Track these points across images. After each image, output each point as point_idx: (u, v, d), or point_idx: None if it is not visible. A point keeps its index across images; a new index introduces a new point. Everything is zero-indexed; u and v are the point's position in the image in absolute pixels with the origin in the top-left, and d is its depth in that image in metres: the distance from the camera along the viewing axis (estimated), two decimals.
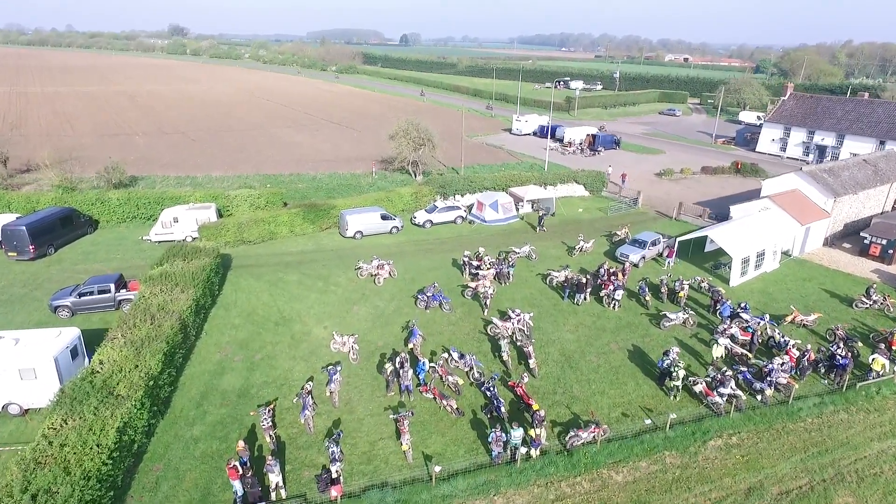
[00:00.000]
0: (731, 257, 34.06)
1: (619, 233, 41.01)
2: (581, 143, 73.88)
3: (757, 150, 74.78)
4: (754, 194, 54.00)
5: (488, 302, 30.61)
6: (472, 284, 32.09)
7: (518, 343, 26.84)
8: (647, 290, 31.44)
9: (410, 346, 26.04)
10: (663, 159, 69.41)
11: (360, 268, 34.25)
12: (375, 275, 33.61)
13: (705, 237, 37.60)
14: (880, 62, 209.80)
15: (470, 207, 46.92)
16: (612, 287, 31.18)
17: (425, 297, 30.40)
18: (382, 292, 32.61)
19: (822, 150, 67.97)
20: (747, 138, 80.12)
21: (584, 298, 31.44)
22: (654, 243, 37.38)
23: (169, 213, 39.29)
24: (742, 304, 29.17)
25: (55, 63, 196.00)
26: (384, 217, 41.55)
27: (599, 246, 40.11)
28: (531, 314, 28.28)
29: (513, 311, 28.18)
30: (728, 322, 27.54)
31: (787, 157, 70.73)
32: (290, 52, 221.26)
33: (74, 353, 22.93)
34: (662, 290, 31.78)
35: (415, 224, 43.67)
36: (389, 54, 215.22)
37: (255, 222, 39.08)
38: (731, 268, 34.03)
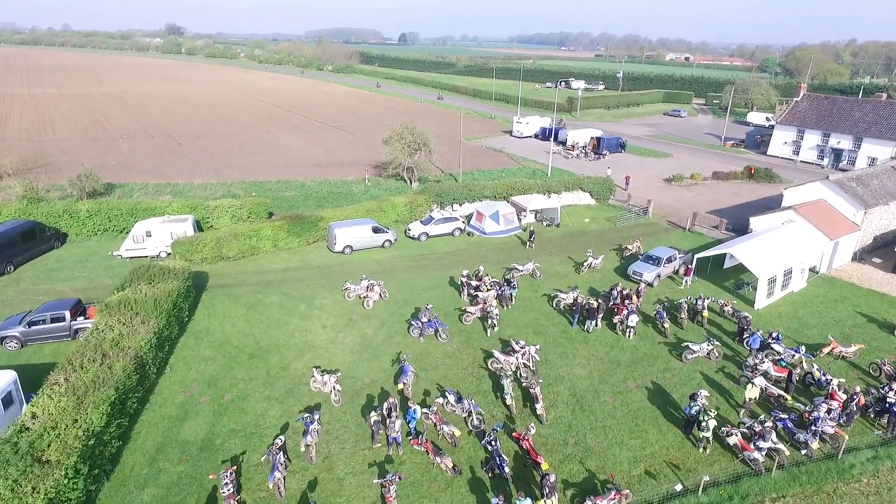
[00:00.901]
0: (755, 276, 30.95)
1: (630, 247, 37.86)
2: (585, 147, 70.70)
3: (768, 153, 71.63)
4: (771, 202, 51.05)
5: (495, 321, 27.68)
6: (472, 309, 28.94)
7: (523, 381, 23.74)
8: (664, 315, 28.31)
9: (400, 385, 22.88)
10: (671, 163, 66.29)
11: (347, 289, 31.08)
12: (364, 297, 30.45)
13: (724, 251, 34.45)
14: (885, 61, 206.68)
15: (469, 218, 43.78)
16: (625, 312, 28.06)
17: (419, 324, 27.26)
18: (372, 317, 29.45)
19: (837, 154, 64.86)
20: (758, 141, 76.98)
21: (596, 325, 28.30)
22: (669, 260, 34.21)
23: (141, 226, 36.12)
24: (773, 334, 26.02)
25: (46, 63, 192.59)
26: (376, 230, 38.39)
27: (609, 261, 36.96)
28: (537, 347, 25.13)
29: (517, 343, 25.04)
30: (759, 356, 24.37)
31: (801, 161, 67.62)
32: (287, 51, 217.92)
33: (8, 400, 19.76)
34: (682, 315, 28.61)
35: (409, 237, 40.52)
36: (387, 54, 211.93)
37: (235, 237, 35.89)
38: (757, 289, 30.87)
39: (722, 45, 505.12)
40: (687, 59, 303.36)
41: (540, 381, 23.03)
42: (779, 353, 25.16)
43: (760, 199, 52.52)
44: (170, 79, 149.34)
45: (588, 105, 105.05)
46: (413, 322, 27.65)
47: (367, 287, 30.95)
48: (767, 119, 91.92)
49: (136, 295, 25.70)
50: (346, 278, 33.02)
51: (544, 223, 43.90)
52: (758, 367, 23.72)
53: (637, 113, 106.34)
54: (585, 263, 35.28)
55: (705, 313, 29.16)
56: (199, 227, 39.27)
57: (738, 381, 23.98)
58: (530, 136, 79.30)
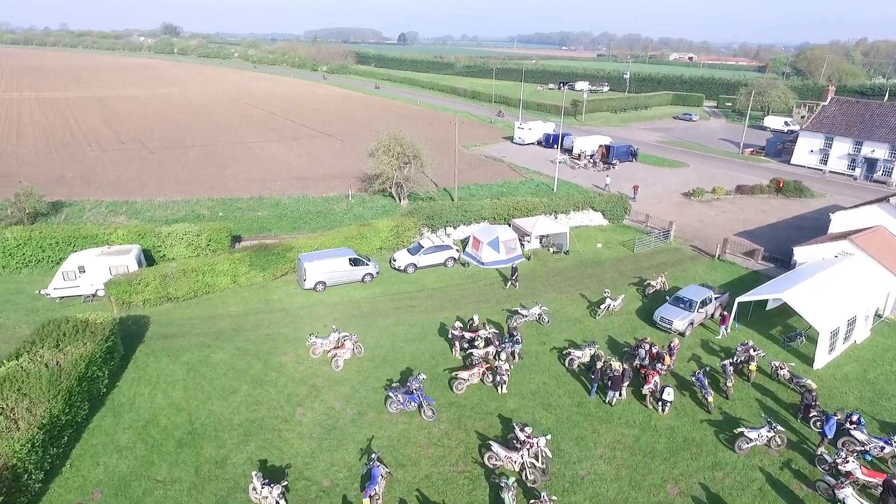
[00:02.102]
0: (808, 322, 25.27)
1: (653, 283, 32.08)
2: (593, 156, 64.93)
3: (792, 162, 65.82)
4: (804, 221, 45.40)
5: (505, 378, 22.73)
6: (465, 374, 23.21)
7: (530, 483, 18.08)
8: (706, 383, 22.56)
9: (366, 500, 17.13)
10: (688, 174, 60.50)
11: (313, 343, 25.35)
12: (333, 355, 24.72)
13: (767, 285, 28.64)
14: None
15: (464, 244, 38.07)
16: (656, 378, 22.38)
17: (398, 398, 21.54)
18: (341, 382, 23.72)
19: (871, 164, 59.07)
20: (779, 148, 71.17)
21: (620, 395, 22.59)
22: (704, 303, 28.43)
23: (74, 259, 30.40)
24: (853, 417, 20.22)
25: (32, 64, 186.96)
26: (354, 262, 32.63)
27: (629, 301, 31.20)
28: (547, 437, 19.35)
29: (521, 429, 19.32)
30: (841, 453, 18.58)
31: (830, 172, 61.83)
32: (281, 51, 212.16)
33: None
34: (728, 383, 22.87)
35: (395, 268, 34.78)
36: (384, 53, 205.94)
37: (185, 273, 30.14)
38: (818, 345, 25.10)
39: (723, 44, 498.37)
40: (691, 58, 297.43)
41: (551, 495, 17.24)
42: (862, 443, 19.43)
43: (793, 218, 46.78)
44: (157, 80, 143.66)
45: (593, 108, 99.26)
46: (391, 395, 21.90)
47: (338, 341, 25.29)
48: (786, 123, 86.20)
49: (33, 366, 19.97)
50: (312, 328, 27.33)
51: (551, 250, 38.14)
52: (840, 469, 17.98)
53: (645, 116, 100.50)
54: (602, 306, 29.52)
55: (753, 366, 23.66)
56: (149, 258, 33.60)
57: (816, 488, 18.20)
58: (533, 143, 73.52)
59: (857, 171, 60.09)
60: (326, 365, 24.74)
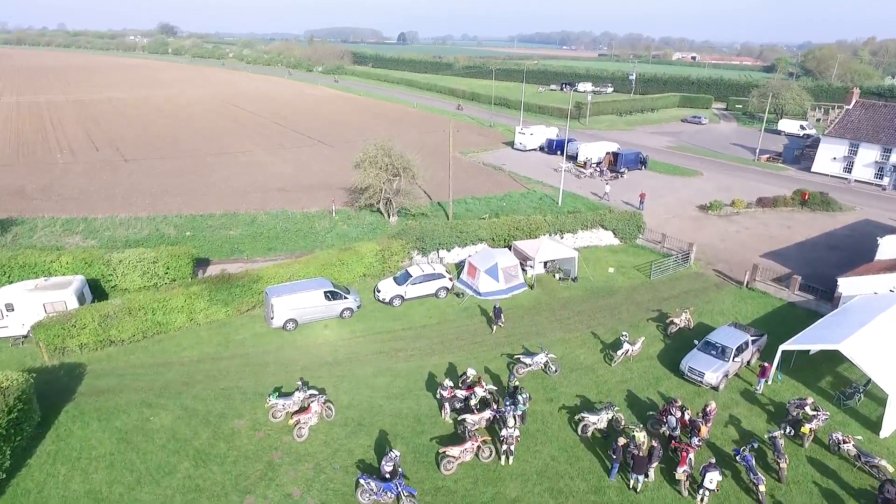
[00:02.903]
0: (866, 376, 20.97)
1: (677, 320, 27.73)
2: (599, 164, 60.55)
3: (813, 169, 61.40)
4: (835, 239, 41.11)
5: (512, 448, 18.96)
6: (455, 451, 18.86)
7: None
8: (753, 463, 18.23)
9: None
10: (702, 184, 56.10)
11: (273, 405, 21.01)
12: (296, 422, 20.36)
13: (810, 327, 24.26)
14: None
15: (458, 270, 33.74)
16: (691, 456, 18.08)
17: (372, 487, 17.22)
18: (303, 459, 19.38)
19: None
20: (797, 155, 66.76)
21: (647, 477, 18.26)
22: (740, 350, 24.07)
23: (1, 295, 26.05)
24: None
25: (20, 65, 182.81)
26: (331, 295, 28.28)
27: (650, 342, 26.82)
28: None
29: None
30: None
31: (855, 181, 57.39)
32: (277, 51, 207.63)
33: None
34: (781, 463, 18.51)
35: (379, 300, 30.43)
36: (381, 53, 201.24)
37: (131, 311, 25.80)
38: (886, 409, 20.73)
39: (724, 44, 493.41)
40: (694, 58, 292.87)
41: None
42: None
43: (821, 235, 42.43)
44: (147, 82, 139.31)
45: (598, 110, 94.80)
46: (364, 481, 17.52)
47: (303, 402, 20.99)
48: (802, 127, 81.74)
49: None
50: (276, 381, 23.04)
51: (557, 276, 33.77)
52: None
53: (652, 119, 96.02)
54: (619, 351, 25.15)
55: (808, 428, 19.49)
56: (97, 290, 29.27)
57: None
58: (535, 149, 69.13)
59: (886, 181, 55.69)
60: (288, 433, 20.39)
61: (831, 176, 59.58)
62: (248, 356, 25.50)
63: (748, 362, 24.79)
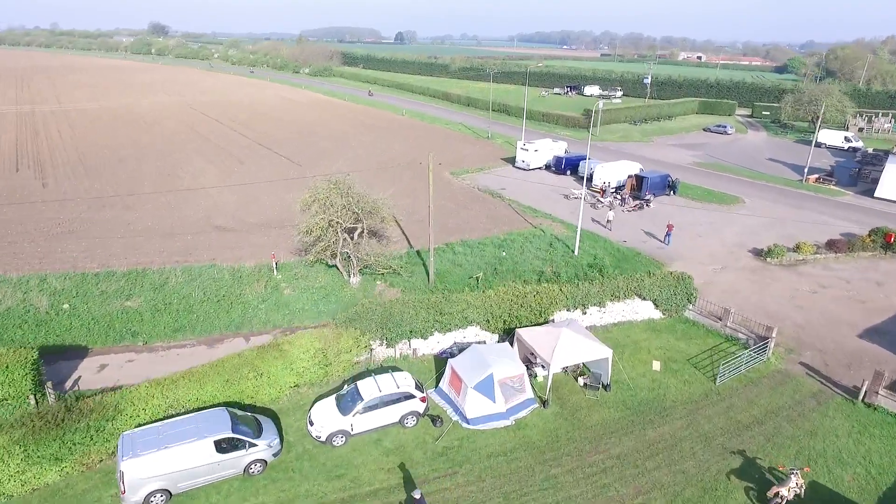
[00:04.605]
0: None
1: (784, 492, 17.10)
2: (620, 188, 50.01)
3: (877, 195, 50.80)
4: None
5: None
6: None
7: None
8: None
9: None
10: (747, 217, 45.50)
11: None
12: None
13: None
14: None
15: (437, 377, 23.18)
16: None
17: None
18: None
19: None
20: (853, 175, 56.16)
21: None
22: None
23: None
24: None
25: None
26: (228, 444, 17.70)
27: None
28: None
29: None
30: None
31: None
32: (264, 51, 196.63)
33: None
34: None
35: (313, 437, 19.85)
36: (373, 54, 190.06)
37: None
38: None
39: (726, 43, 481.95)
40: (699, 58, 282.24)
41: None
42: None
43: None
44: (115, 85, 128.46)
45: (609, 118, 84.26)
46: None
47: None
48: (847, 140, 71.17)
49: None
50: None
51: (581, 383, 23.18)
52: None
53: (670, 128, 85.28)
54: None
55: None
56: None
57: None
58: (540, 168, 58.57)
59: None
60: None
61: None
62: None
63: None
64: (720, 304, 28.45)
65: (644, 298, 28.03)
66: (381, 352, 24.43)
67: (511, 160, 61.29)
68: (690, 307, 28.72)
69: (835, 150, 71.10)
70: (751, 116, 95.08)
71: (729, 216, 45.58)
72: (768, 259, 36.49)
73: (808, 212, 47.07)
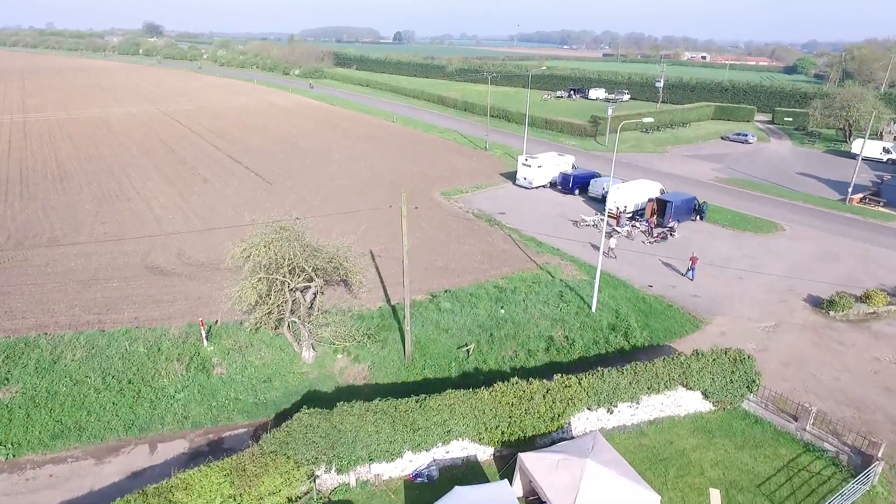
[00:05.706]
0: None
1: None
2: (639, 213, 42.92)
3: None
4: None
5: None
6: None
7: None
8: None
9: None
10: (792, 248, 38.37)
11: None
12: None
13: None
14: None
15: None
16: None
17: None
18: None
19: None
20: None
21: None
22: None
23: None
24: None
25: None
26: None
27: None
28: None
29: None
30: None
31: None
32: (254, 52, 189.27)
33: None
34: None
35: None
36: (367, 54, 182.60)
37: None
38: None
39: (728, 42, 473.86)
40: (704, 58, 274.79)
41: None
42: None
43: None
44: (90, 89, 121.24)
45: (617, 126, 76.82)
46: None
47: None
48: (886, 150, 64.03)
49: None
50: None
51: None
52: None
53: (685, 137, 78.00)
54: None
55: None
56: None
57: None
58: (544, 186, 51.47)
59: None
60: None
61: None
62: None
63: None
64: (785, 386, 21.37)
65: (689, 387, 20.89)
66: (329, 480, 17.34)
67: (511, 176, 54.17)
68: (751, 397, 21.57)
69: (871, 161, 63.94)
70: (771, 123, 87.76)
71: (769, 248, 38.40)
72: (832, 312, 29.36)
73: (860, 241, 39.92)
